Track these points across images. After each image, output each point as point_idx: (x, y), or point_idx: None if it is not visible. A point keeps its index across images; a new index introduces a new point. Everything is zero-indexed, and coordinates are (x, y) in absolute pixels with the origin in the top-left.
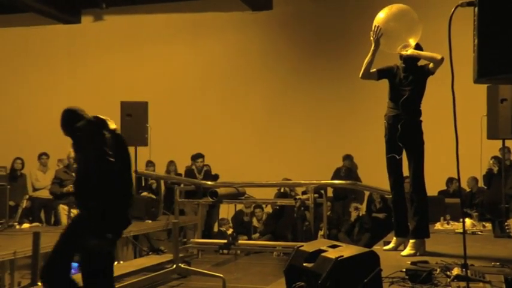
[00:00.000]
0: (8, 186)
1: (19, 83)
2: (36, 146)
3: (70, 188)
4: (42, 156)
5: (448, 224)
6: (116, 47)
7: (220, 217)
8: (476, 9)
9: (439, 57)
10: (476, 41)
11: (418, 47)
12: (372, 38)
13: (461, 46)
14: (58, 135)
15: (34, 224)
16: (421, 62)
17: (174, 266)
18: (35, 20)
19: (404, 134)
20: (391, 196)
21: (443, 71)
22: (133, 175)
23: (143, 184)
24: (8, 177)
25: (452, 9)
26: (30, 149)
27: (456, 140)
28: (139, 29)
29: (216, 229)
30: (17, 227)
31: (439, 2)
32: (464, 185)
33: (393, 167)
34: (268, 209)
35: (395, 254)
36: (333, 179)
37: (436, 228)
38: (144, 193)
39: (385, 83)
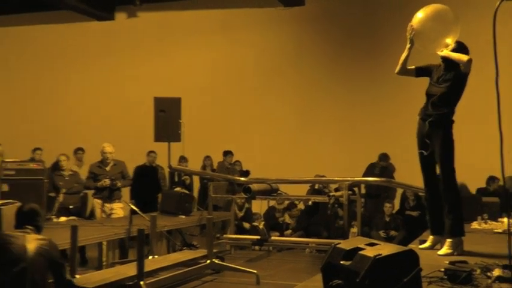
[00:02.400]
0: (46, 180)
1: (55, 79)
2: (72, 140)
3: (104, 182)
4: (78, 151)
5: (485, 223)
6: (149, 43)
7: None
8: None
9: (465, 59)
10: None
11: (459, 45)
12: (407, 36)
13: (506, 42)
14: (92, 130)
15: (71, 218)
16: None
17: (208, 261)
18: (71, 17)
19: (432, 132)
20: (424, 194)
21: (484, 67)
22: (167, 170)
23: (176, 179)
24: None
25: (497, 3)
26: (66, 144)
27: (500, 138)
28: (173, 25)
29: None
30: (54, 220)
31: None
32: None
33: (424, 163)
34: (301, 206)
35: (432, 253)
36: (365, 175)
37: (473, 227)
38: (178, 188)
39: (419, 80)
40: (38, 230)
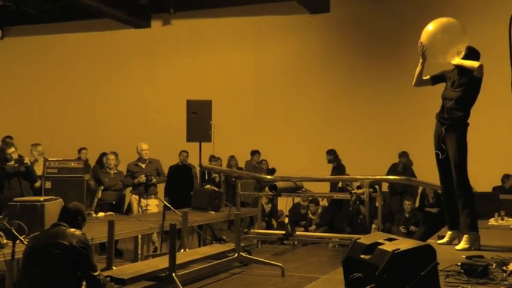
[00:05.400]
0: (86, 178)
1: (97, 83)
2: (110, 140)
3: (140, 178)
4: (82, 150)
5: (502, 219)
6: (183, 49)
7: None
8: None
9: (476, 65)
10: None
11: (470, 50)
12: (419, 52)
13: None
14: (129, 131)
15: (108, 213)
16: None
17: (236, 254)
18: (110, 25)
19: (447, 137)
20: (441, 191)
21: (501, 71)
22: (198, 168)
23: (207, 177)
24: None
25: None
26: (106, 144)
27: None
28: (205, 32)
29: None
30: (93, 215)
31: (502, 5)
32: None
33: (440, 163)
34: (324, 203)
35: (450, 248)
36: (388, 174)
37: (490, 223)
38: (208, 186)
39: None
40: (74, 227)
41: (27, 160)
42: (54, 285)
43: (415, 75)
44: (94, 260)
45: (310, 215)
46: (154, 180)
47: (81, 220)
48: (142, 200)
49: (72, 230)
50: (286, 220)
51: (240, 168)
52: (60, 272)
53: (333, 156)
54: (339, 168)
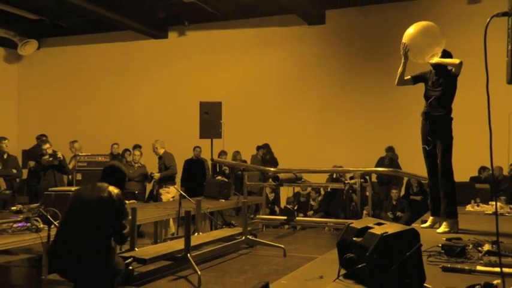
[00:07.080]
0: None
1: (119, 87)
2: (134, 138)
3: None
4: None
5: (478, 206)
6: (196, 57)
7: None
8: (510, 19)
9: (457, 62)
10: (510, 46)
11: (445, 52)
12: (401, 53)
13: (493, 52)
14: (149, 129)
15: (131, 201)
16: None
17: (243, 237)
18: (132, 36)
19: (433, 131)
20: (427, 181)
21: (477, 73)
22: (210, 162)
23: (218, 170)
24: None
25: (488, 19)
26: (132, 140)
27: (490, 133)
28: (215, 42)
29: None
30: None
31: (477, 13)
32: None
33: (427, 156)
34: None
35: (432, 231)
36: (377, 166)
37: (467, 209)
38: (219, 177)
39: (417, 90)
40: (114, 185)
41: (60, 154)
42: (91, 233)
43: (398, 75)
44: (127, 217)
45: (311, 201)
46: (156, 176)
47: (120, 179)
48: (160, 190)
49: (112, 187)
50: (296, 207)
51: (244, 161)
52: (98, 222)
53: (266, 150)
54: (271, 160)
